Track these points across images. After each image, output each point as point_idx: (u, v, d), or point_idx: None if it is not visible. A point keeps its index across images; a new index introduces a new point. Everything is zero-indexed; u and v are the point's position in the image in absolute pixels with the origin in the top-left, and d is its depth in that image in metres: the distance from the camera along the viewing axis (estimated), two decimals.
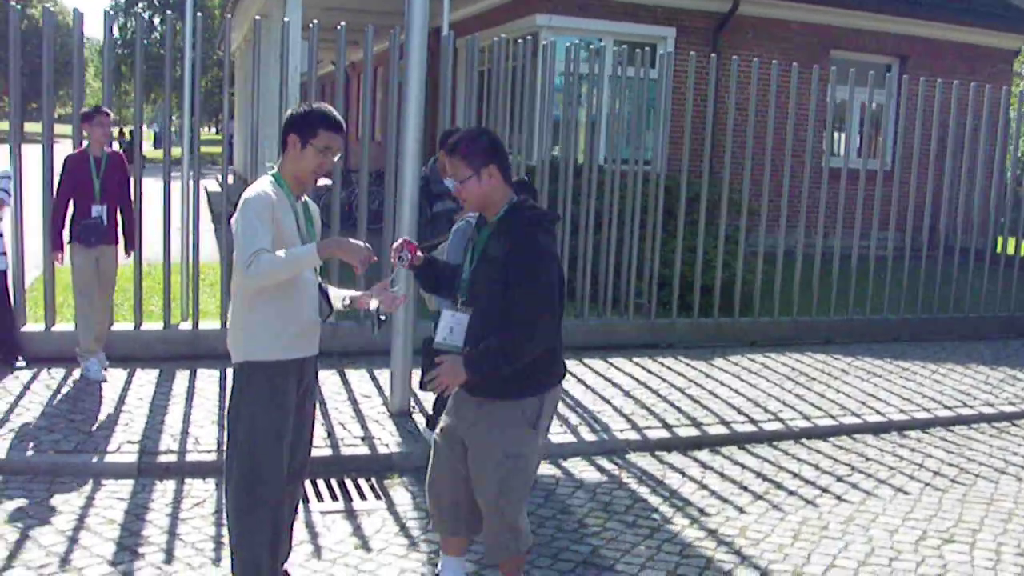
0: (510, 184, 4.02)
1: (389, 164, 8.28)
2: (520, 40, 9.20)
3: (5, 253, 7.85)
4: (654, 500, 5.88)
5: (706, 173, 10.02)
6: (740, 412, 7.53)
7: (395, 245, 4.08)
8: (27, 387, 7.29)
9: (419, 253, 4.07)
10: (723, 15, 16.14)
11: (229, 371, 4.30)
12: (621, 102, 9.76)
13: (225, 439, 4.18)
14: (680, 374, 8.54)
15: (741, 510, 5.78)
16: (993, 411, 8.16)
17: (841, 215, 10.74)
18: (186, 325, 8.55)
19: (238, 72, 27.47)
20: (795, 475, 6.45)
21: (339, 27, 8.57)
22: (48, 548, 4.88)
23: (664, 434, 6.97)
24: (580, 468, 6.39)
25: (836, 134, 16.97)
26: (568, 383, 8.03)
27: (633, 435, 6.89)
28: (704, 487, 6.14)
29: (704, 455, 6.76)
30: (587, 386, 8.01)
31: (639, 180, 9.57)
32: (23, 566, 4.67)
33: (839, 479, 6.42)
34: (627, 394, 7.84)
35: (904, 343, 10.46)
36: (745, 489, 6.13)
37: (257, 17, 9.13)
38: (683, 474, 6.36)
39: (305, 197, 4.22)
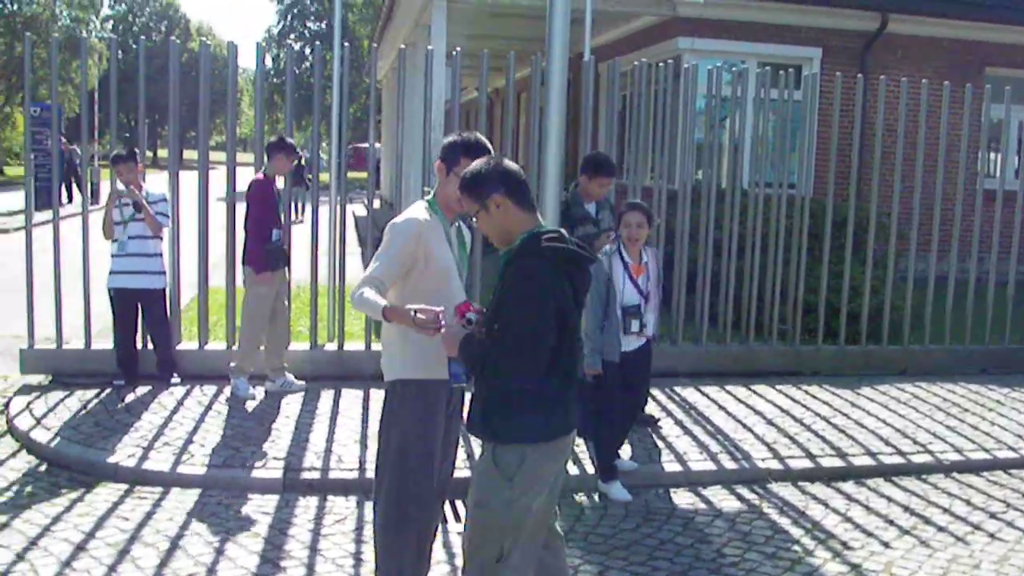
0: (529, 211, 3.68)
1: (531, 189, 8.34)
2: (661, 64, 9.17)
3: (164, 273, 8.19)
4: (795, 531, 5.75)
5: (853, 196, 9.78)
6: (887, 443, 7.29)
7: (451, 317, 3.71)
8: (180, 403, 7.61)
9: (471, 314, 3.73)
10: (871, 34, 15.74)
11: (373, 391, 4.41)
12: (764, 124, 9.62)
13: (375, 457, 4.30)
14: (825, 403, 8.33)
15: (887, 545, 5.60)
16: None
17: (997, 239, 10.30)
18: (331, 346, 8.78)
19: (385, 99, 28.11)
20: (945, 510, 6.20)
21: (482, 54, 8.70)
22: (196, 558, 5.09)
23: (807, 464, 6.81)
24: (720, 497, 6.29)
25: (992, 154, 16.35)
26: (709, 410, 7.94)
27: (775, 464, 6.75)
28: (848, 519, 5.97)
29: (849, 487, 6.57)
30: (728, 413, 7.88)
31: (783, 203, 9.40)
32: (172, 574, 4.88)
33: (993, 516, 6.15)
34: (769, 422, 7.69)
35: None
36: (891, 523, 5.93)
37: (402, 46, 9.36)
38: (826, 505, 6.20)
39: (459, 222, 4.33)
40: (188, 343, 8.74)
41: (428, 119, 8.80)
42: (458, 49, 8.99)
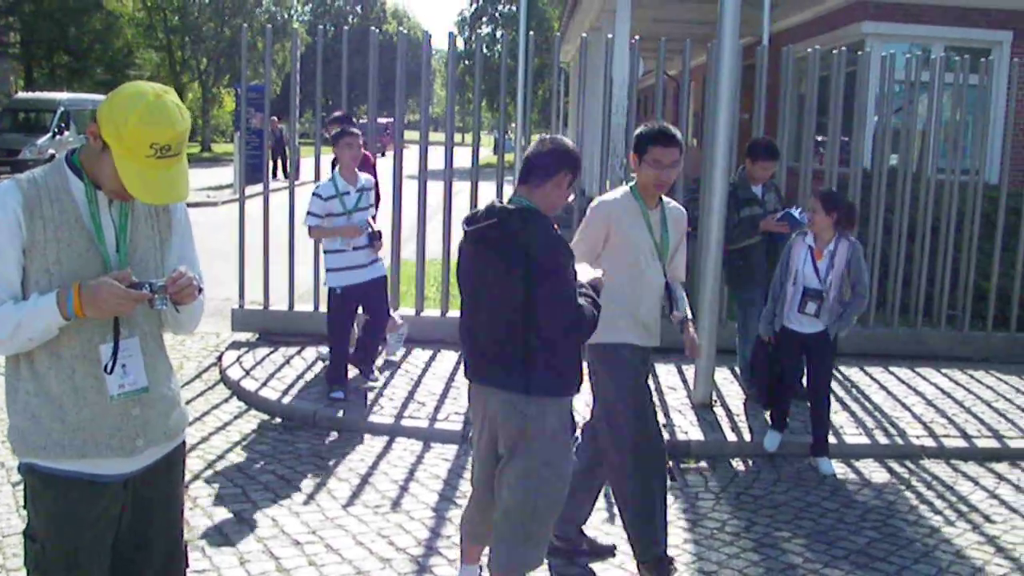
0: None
1: (704, 173, 8.75)
2: (834, 51, 9.37)
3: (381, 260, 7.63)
4: (940, 504, 6.02)
5: None
6: None
7: None
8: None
9: None
10: None
11: None
12: (951, 110, 9.63)
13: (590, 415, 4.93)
14: (989, 387, 8.42)
15: None
16: None
17: None
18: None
19: (572, 84, 28.69)
20: None
21: (660, 41, 9.12)
22: (383, 492, 5.82)
23: (961, 443, 7.01)
24: (871, 468, 6.59)
25: None
26: (870, 389, 8.19)
27: (929, 442, 6.98)
28: (995, 496, 6.18)
29: (1002, 467, 6.74)
30: (889, 392, 8.11)
31: (955, 189, 9.45)
32: (362, 504, 5.63)
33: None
34: (929, 403, 7.88)
35: None
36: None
37: (584, 35, 9.87)
38: (976, 483, 6.42)
39: (672, 203, 4.87)
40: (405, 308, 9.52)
41: (608, 104, 9.29)
42: (638, 36, 9.44)
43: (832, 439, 6.86)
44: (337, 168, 7.44)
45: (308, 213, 7.27)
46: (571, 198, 4.00)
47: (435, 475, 6.15)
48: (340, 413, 7.08)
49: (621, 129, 9.90)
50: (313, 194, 7.28)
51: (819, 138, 9.75)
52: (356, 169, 7.39)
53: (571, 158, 3.87)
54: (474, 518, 4.29)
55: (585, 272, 3.99)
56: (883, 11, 15.09)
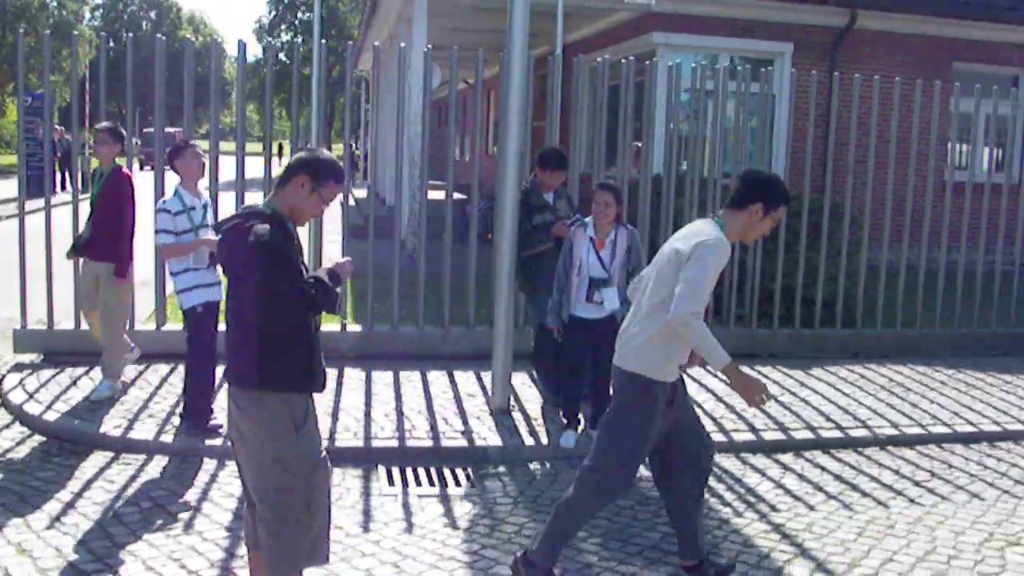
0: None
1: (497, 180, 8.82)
2: (623, 60, 9.61)
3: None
4: (729, 496, 6.23)
5: (807, 186, 10.17)
6: (829, 419, 7.78)
7: None
8: (165, 379, 8.07)
9: None
10: (841, 29, 16.21)
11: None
12: (720, 118, 10.01)
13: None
14: (775, 382, 8.81)
15: (812, 508, 6.08)
16: None
17: (965, 229, 10.75)
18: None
19: (374, 91, 28.55)
20: (873, 479, 6.69)
21: (453, 49, 9.13)
22: (175, 514, 5.59)
23: (750, 437, 7.29)
24: None
25: (961, 147, 16.83)
26: None
27: (719, 437, 7.22)
28: (780, 486, 6.46)
29: (787, 458, 7.05)
30: None
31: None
32: (153, 527, 5.40)
33: (916, 484, 6.64)
34: (719, 399, 8.17)
35: (1012, 358, 10.42)
36: (820, 490, 6.42)
37: (376, 43, 9.79)
38: (763, 474, 6.68)
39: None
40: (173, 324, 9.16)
41: (402, 114, 9.23)
42: (430, 46, 9.43)
43: None
44: (179, 183, 6.96)
45: (160, 231, 6.76)
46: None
47: (229, 493, 5.93)
48: (129, 434, 6.76)
49: (417, 138, 9.88)
50: (160, 210, 6.83)
51: (638, 144, 10.01)
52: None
53: (307, 163, 4.00)
54: (248, 523, 4.23)
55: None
56: (673, 22, 15.64)
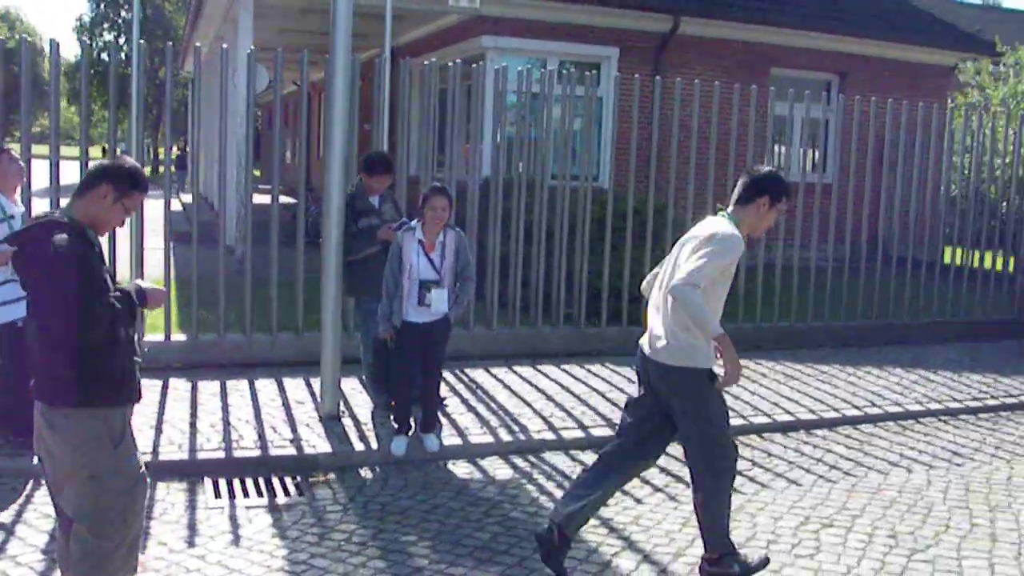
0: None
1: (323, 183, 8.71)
2: (450, 63, 9.63)
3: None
4: (559, 493, 6.30)
5: (631, 186, 10.40)
6: None
7: None
8: None
9: None
10: (664, 35, 16.67)
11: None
12: (547, 121, 10.13)
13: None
14: (604, 379, 8.98)
15: (639, 501, 6.22)
16: (900, 410, 8.64)
17: (782, 228, 11.18)
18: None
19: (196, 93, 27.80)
20: None
21: (277, 51, 8.96)
22: None
23: (579, 434, 7.41)
24: (495, 466, 6.81)
25: (779, 149, 17.51)
26: (494, 389, 8.47)
27: (549, 435, 7.32)
28: None
29: None
30: (512, 391, 8.43)
31: (566, 194, 9.96)
32: None
33: (738, 473, 6.83)
34: (549, 398, 8.27)
35: (828, 349, 10.90)
36: (647, 483, 6.56)
37: (198, 44, 9.54)
38: None
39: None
40: None
41: (224, 117, 9.01)
42: (251, 48, 9.24)
43: (458, 440, 7.05)
44: None
45: None
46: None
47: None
48: None
49: (242, 139, 9.67)
50: None
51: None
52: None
53: (111, 173, 3.93)
54: (60, 543, 4.09)
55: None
56: (501, 26, 15.78)
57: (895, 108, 11.62)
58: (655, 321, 5.00)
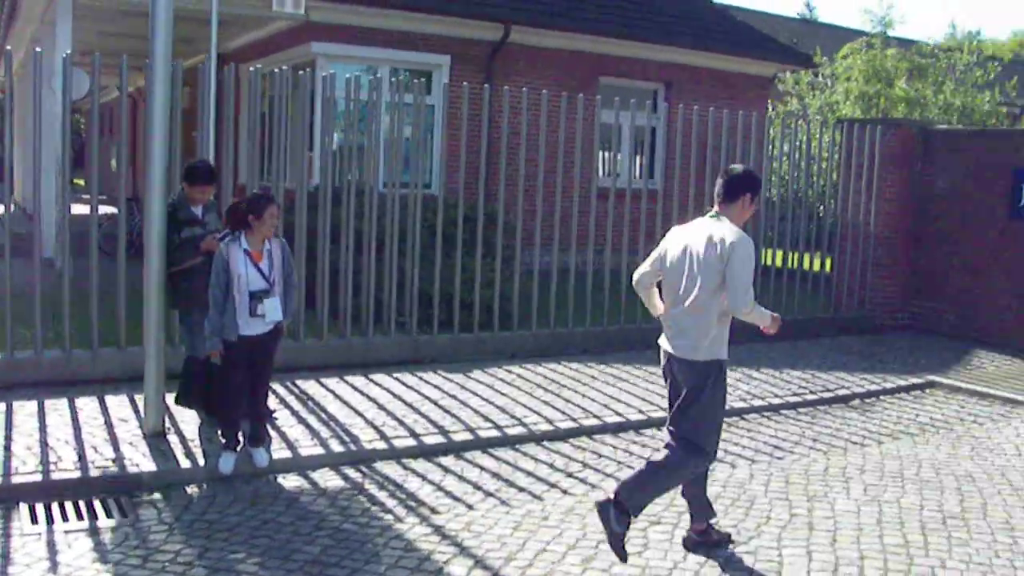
0: None
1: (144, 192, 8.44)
2: (276, 70, 9.48)
3: None
4: (390, 503, 6.29)
5: (461, 194, 10.46)
6: (487, 419, 8.03)
7: None
8: None
9: None
10: (495, 43, 16.82)
11: None
12: (376, 129, 10.06)
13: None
14: (436, 387, 8.98)
15: (471, 507, 6.26)
16: (725, 408, 8.92)
17: (610, 232, 11.38)
18: None
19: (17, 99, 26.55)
20: (529, 474, 6.98)
21: (95, 56, 8.64)
22: None
23: (411, 442, 7.39)
24: (327, 478, 6.73)
25: (607, 156, 17.88)
26: (325, 400, 8.37)
27: (381, 445, 7.28)
28: (441, 489, 6.59)
29: (448, 460, 7.21)
30: (344, 401, 8.34)
31: (396, 201, 9.90)
32: None
33: (569, 475, 6.99)
34: (381, 407, 8.23)
35: (656, 349, 11.16)
36: (479, 488, 6.61)
37: (8, 48, 9.11)
38: (424, 478, 6.79)
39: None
40: None
41: (38, 123, 8.62)
42: (67, 52, 8.88)
43: (288, 453, 6.94)
44: None
45: None
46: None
47: None
48: None
49: (59, 147, 9.27)
50: None
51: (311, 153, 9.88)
52: None
53: None
54: None
55: None
56: (332, 32, 15.63)
57: (716, 116, 12.02)
58: (688, 326, 5.46)
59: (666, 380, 5.75)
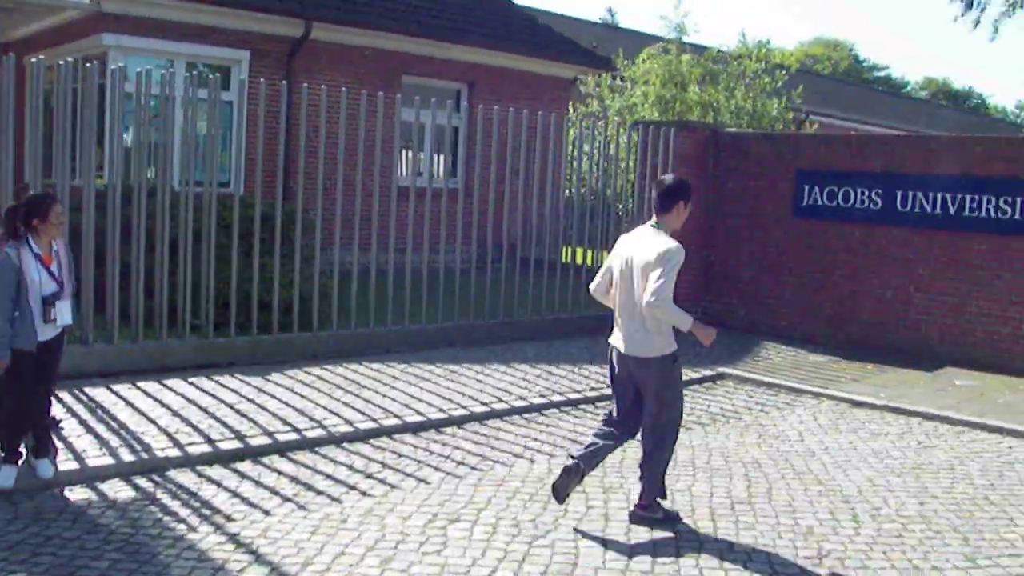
0: None
1: None
2: (62, 61, 9.04)
3: None
4: (184, 512, 6.11)
5: (258, 192, 10.25)
6: (286, 423, 7.90)
7: None
8: None
9: None
10: (297, 40, 16.57)
11: None
12: (169, 125, 9.75)
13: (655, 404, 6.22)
14: (233, 391, 8.77)
15: (267, 513, 6.14)
16: (525, 404, 9.11)
17: (411, 231, 11.36)
18: None
19: None
20: (328, 476, 6.91)
21: None
22: None
23: (206, 449, 7.20)
24: (116, 489, 6.47)
25: (411, 155, 17.84)
26: (116, 407, 8.06)
27: (175, 452, 7.06)
28: (237, 495, 6.44)
29: (245, 466, 7.05)
30: (135, 408, 8.04)
31: (190, 200, 9.62)
32: None
33: (369, 476, 6.96)
34: (175, 413, 7.97)
35: (459, 348, 11.28)
36: (276, 494, 6.50)
37: None
38: (219, 485, 6.63)
39: None
40: None
41: None
42: None
43: (75, 464, 6.65)
44: None
45: None
46: None
47: None
48: None
49: None
50: None
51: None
52: None
53: None
54: None
55: None
56: (125, 24, 15.06)
57: (517, 116, 12.20)
58: (637, 327, 6.12)
59: (612, 373, 6.44)
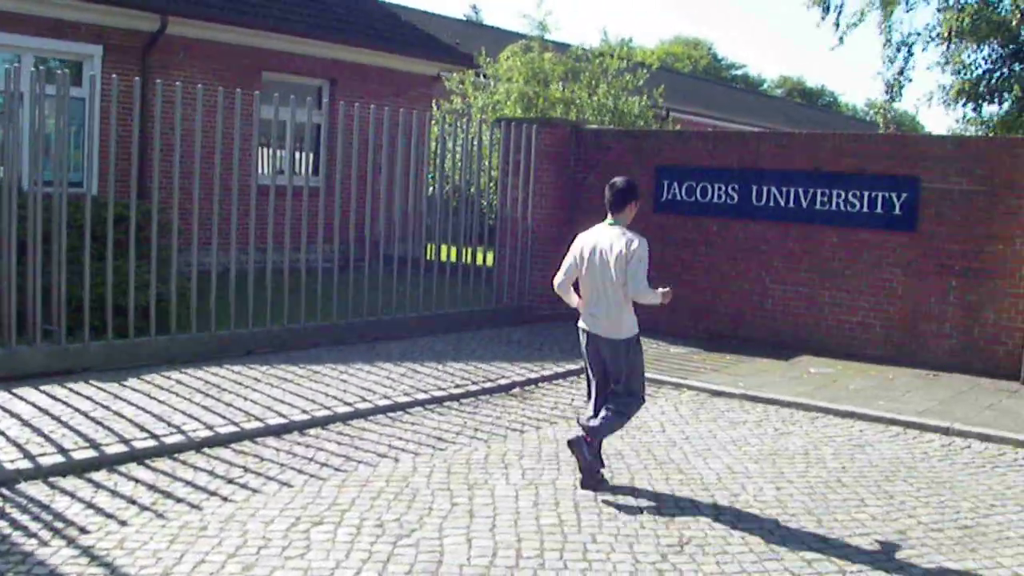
0: None
1: None
2: None
3: None
4: (35, 526, 5.89)
5: (112, 192, 9.92)
6: (143, 429, 7.69)
7: None
8: None
9: None
10: (152, 34, 16.13)
11: None
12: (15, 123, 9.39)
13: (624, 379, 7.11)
14: (88, 398, 8.48)
15: (124, 523, 5.97)
16: (389, 402, 9.08)
17: (271, 230, 11.17)
18: None
19: None
20: (188, 483, 6.76)
21: None
22: None
23: (59, 459, 6.95)
24: None
25: (271, 153, 17.59)
26: None
27: (25, 464, 6.80)
28: (92, 506, 6.24)
29: (101, 475, 6.84)
30: None
31: (39, 201, 9.24)
32: None
33: (230, 481, 6.84)
34: (26, 423, 7.66)
35: (323, 348, 11.15)
36: (134, 503, 6.33)
37: None
38: (73, 496, 6.41)
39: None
40: None
41: None
42: None
43: None
44: None
45: None
46: None
47: None
48: None
49: None
50: None
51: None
52: None
53: None
54: None
55: None
56: None
57: (378, 113, 12.14)
58: (609, 313, 7.01)
59: (586, 355, 7.25)
